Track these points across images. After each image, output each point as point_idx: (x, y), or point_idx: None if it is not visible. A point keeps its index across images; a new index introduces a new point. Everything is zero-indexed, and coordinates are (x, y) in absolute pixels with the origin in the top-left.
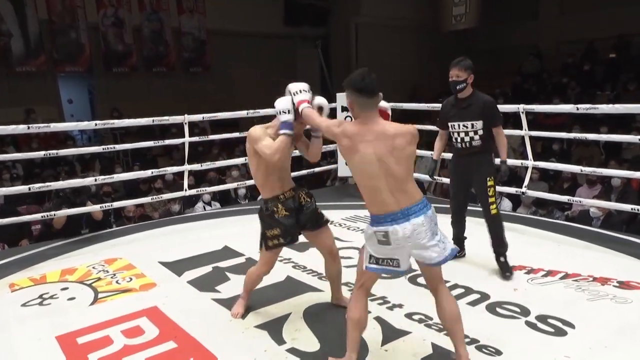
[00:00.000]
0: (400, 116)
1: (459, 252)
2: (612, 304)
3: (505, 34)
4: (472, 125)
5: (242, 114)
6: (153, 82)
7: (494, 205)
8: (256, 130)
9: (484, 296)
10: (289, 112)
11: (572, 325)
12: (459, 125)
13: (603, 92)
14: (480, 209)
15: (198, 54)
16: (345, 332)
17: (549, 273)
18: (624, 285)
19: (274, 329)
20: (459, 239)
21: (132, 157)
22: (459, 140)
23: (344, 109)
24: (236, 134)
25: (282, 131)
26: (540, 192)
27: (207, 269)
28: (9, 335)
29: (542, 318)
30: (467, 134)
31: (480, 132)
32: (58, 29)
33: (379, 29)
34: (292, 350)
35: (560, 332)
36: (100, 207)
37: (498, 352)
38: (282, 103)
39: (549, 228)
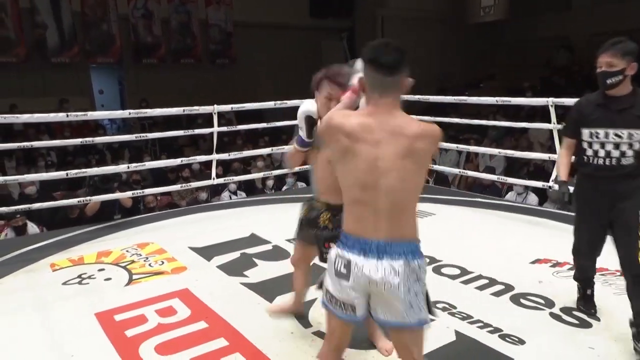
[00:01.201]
0: (427, 110)
1: (589, 310)
2: None
3: (535, 26)
4: (630, 135)
5: (270, 104)
6: (181, 73)
7: None
8: None
9: (508, 287)
10: (302, 129)
11: (597, 318)
12: (606, 133)
13: (639, 86)
14: (503, 202)
15: (224, 46)
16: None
17: None
18: None
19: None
20: (588, 279)
21: (159, 147)
22: (600, 154)
23: None
24: (263, 125)
25: (293, 142)
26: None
27: (236, 254)
28: (52, 311)
29: (567, 310)
30: (617, 146)
31: (637, 145)
32: (90, 20)
33: (405, 21)
34: (318, 333)
35: (585, 324)
36: (132, 194)
37: (521, 342)
38: (299, 115)
39: None
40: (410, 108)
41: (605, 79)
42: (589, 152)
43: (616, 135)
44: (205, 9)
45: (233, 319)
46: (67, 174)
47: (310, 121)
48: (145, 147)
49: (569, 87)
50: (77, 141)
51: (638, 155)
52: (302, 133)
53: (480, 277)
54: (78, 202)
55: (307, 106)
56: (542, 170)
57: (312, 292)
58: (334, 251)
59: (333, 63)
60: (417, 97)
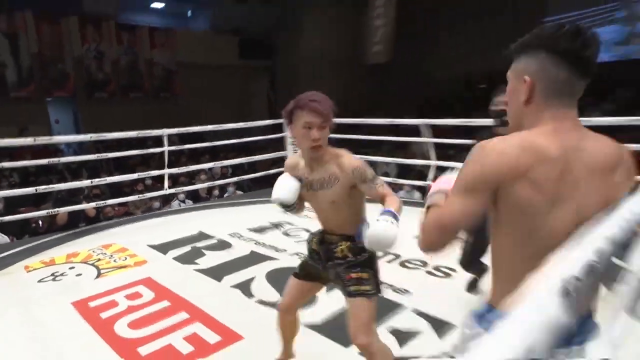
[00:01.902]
0: (337, 129)
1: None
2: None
3: (413, 65)
4: None
5: (210, 127)
6: (129, 106)
7: None
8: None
9: (397, 256)
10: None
11: (455, 270)
12: None
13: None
14: None
15: (168, 82)
16: None
17: None
18: None
19: (245, 287)
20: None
21: (113, 167)
22: None
23: None
24: (206, 144)
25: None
26: None
27: (187, 248)
28: (33, 304)
29: (437, 267)
30: None
31: None
32: (47, 60)
33: (316, 61)
34: (260, 302)
35: (448, 276)
36: (96, 204)
37: (407, 292)
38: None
39: None
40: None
41: (504, 116)
42: None
43: None
44: (151, 51)
45: (191, 297)
46: (36, 190)
47: (287, 206)
48: (100, 167)
49: (431, 112)
50: (44, 161)
51: None
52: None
53: None
54: (47, 213)
55: (277, 194)
56: (422, 174)
57: (248, 274)
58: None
59: (260, 95)
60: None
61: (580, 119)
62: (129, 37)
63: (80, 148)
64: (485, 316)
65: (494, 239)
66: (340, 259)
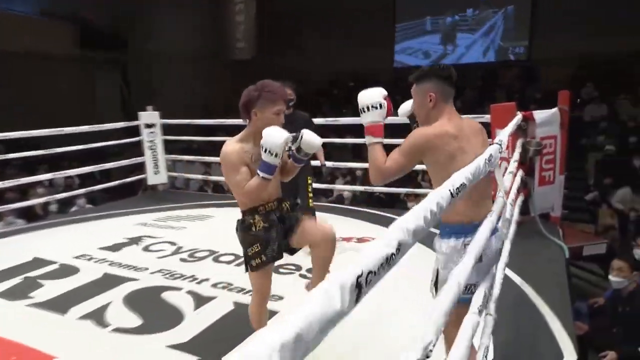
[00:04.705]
0: (198, 131)
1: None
2: (353, 254)
3: (270, 63)
4: None
5: (46, 132)
6: None
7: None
8: (229, 155)
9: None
10: (276, 155)
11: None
12: None
13: (348, 110)
14: None
15: None
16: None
17: None
18: (361, 240)
19: (98, 316)
20: None
21: None
22: None
23: (147, 125)
24: (42, 151)
25: (261, 174)
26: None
27: (17, 280)
28: None
29: (309, 270)
30: None
31: None
32: None
33: (172, 57)
34: (117, 329)
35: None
36: None
37: (281, 298)
38: (271, 140)
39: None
40: (183, 131)
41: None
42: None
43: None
44: None
45: (26, 340)
46: None
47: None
48: None
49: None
50: None
51: None
52: (276, 160)
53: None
54: None
55: (278, 134)
56: None
57: (102, 300)
58: (458, 241)
59: (107, 92)
60: (187, 121)
61: None
62: None
63: None
64: (454, 228)
65: (434, 181)
66: (288, 215)
